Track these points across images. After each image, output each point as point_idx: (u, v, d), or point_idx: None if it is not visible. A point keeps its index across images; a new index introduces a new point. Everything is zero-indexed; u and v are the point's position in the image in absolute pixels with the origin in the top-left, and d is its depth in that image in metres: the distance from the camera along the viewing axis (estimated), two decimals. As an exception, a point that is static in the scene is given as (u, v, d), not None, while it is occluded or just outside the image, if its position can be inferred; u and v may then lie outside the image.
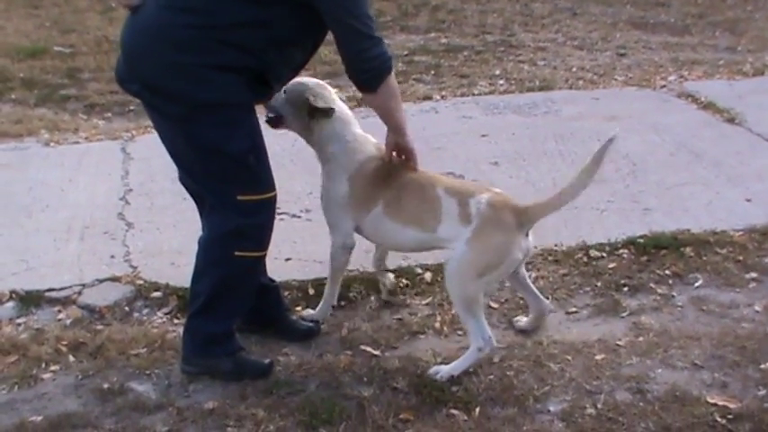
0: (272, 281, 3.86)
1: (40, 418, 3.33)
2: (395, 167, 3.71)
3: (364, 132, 3.84)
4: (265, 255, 3.54)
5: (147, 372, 3.61)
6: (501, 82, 7.42)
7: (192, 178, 3.47)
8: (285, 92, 3.69)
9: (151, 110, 3.37)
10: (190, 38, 3.14)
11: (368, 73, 3.29)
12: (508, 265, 3.53)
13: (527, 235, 3.58)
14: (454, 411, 3.32)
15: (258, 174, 3.35)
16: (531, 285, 3.88)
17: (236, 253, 3.38)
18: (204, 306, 3.49)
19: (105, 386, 3.52)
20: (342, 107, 3.82)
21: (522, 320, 3.93)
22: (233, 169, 3.30)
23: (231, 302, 3.51)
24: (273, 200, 3.43)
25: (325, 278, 3.99)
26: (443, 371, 3.53)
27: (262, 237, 3.45)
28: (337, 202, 3.72)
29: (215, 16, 3.12)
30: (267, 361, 3.61)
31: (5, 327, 3.87)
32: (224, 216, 3.36)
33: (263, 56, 3.20)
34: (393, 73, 3.35)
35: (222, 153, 3.26)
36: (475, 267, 3.47)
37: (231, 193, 3.32)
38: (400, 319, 3.96)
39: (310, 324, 3.87)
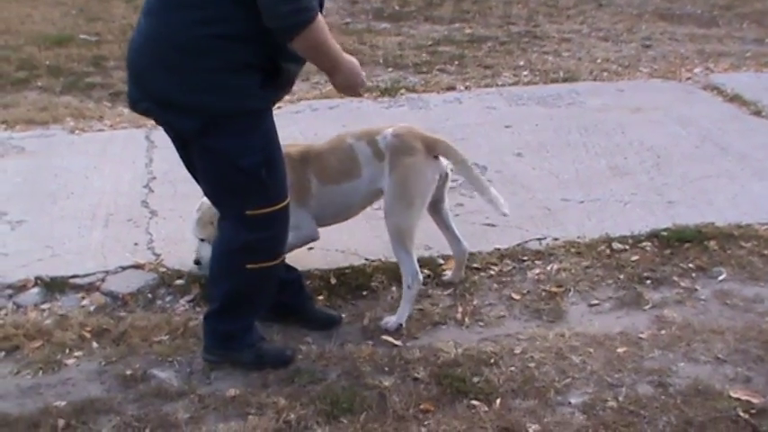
0: (294, 270, 3.85)
1: (63, 403, 3.36)
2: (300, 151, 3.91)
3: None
4: (281, 262, 3.48)
5: (170, 359, 3.63)
6: (525, 73, 7.39)
7: (202, 188, 3.43)
8: None
9: (165, 127, 3.31)
10: (195, 38, 3.01)
11: (278, 23, 2.98)
12: (426, 187, 3.83)
13: (436, 158, 3.86)
14: (475, 402, 3.32)
15: (269, 186, 3.25)
16: (453, 226, 4.11)
17: (248, 266, 3.34)
18: (220, 309, 3.50)
19: (128, 372, 3.54)
20: None
21: (448, 273, 4.17)
22: (244, 183, 3.21)
23: (247, 306, 3.51)
24: (284, 209, 3.33)
25: (347, 267, 3.99)
26: (391, 321, 3.80)
27: (273, 248, 3.39)
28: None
29: (206, 9, 3.00)
30: (289, 351, 3.62)
31: (31, 312, 3.91)
32: (233, 230, 3.32)
33: (269, 43, 3.05)
34: (317, 24, 3.02)
35: (235, 167, 3.17)
36: (401, 197, 3.77)
37: (240, 208, 3.26)
38: (421, 310, 3.96)
39: (332, 312, 3.89)
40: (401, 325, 3.79)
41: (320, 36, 3.07)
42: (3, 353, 3.69)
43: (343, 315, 3.92)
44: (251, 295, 3.48)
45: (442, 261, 4.31)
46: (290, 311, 3.84)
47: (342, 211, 4.05)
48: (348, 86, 3.34)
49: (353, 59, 3.30)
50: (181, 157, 3.40)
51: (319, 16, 3.02)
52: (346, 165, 3.88)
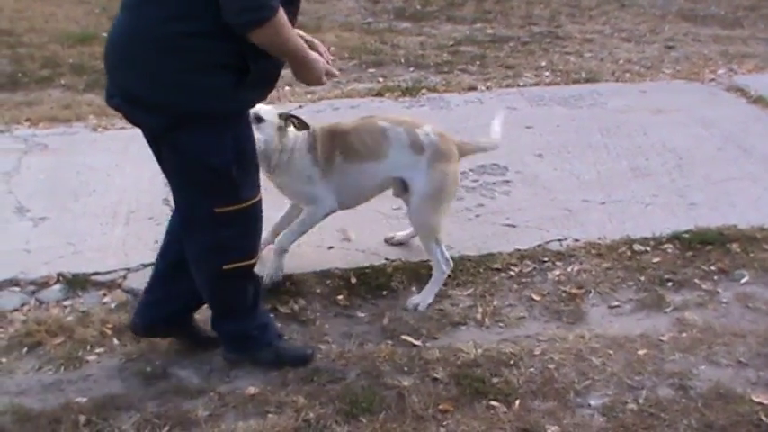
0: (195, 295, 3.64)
1: (84, 399, 3.38)
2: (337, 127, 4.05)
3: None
4: (256, 261, 3.40)
5: (190, 357, 3.64)
6: (547, 74, 7.37)
7: (170, 184, 3.32)
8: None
9: (133, 124, 3.23)
10: (167, 35, 2.92)
11: (234, 19, 2.88)
12: (456, 190, 4.15)
13: None
14: (494, 403, 3.32)
15: (240, 184, 3.18)
16: None
17: (224, 267, 3.30)
18: (217, 313, 3.51)
19: (148, 369, 3.56)
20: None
21: (399, 234, 4.41)
22: (213, 182, 3.14)
23: (241, 306, 3.48)
24: (254, 206, 3.27)
25: (368, 267, 3.99)
26: (421, 302, 3.95)
27: (245, 246, 3.33)
28: (311, 179, 3.95)
29: (179, 5, 2.93)
30: (309, 350, 3.63)
31: (53, 309, 3.93)
32: (201, 231, 3.25)
33: (241, 42, 2.95)
34: (274, 21, 2.89)
35: (205, 165, 3.09)
36: (436, 198, 3.95)
37: (210, 206, 3.18)
38: (441, 310, 3.96)
39: (212, 335, 3.68)
40: (429, 304, 3.96)
41: (279, 33, 2.95)
42: (25, 349, 3.71)
43: (363, 315, 3.93)
44: (238, 296, 3.45)
45: (461, 262, 4.30)
46: (173, 325, 3.67)
47: (358, 193, 4.12)
48: (309, 81, 3.27)
49: (316, 57, 3.21)
50: (153, 152, 3.31)
51: (279, 14, 2.89)
52: (373, 145, 3.97)
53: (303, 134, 3.91)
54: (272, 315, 3.79)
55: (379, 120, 4.07)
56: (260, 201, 3.30)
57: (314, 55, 3.21)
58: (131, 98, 3.05)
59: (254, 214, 3.30)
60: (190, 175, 3.15)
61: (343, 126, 4.05)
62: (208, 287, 3.43)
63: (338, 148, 3.97)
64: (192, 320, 3.70)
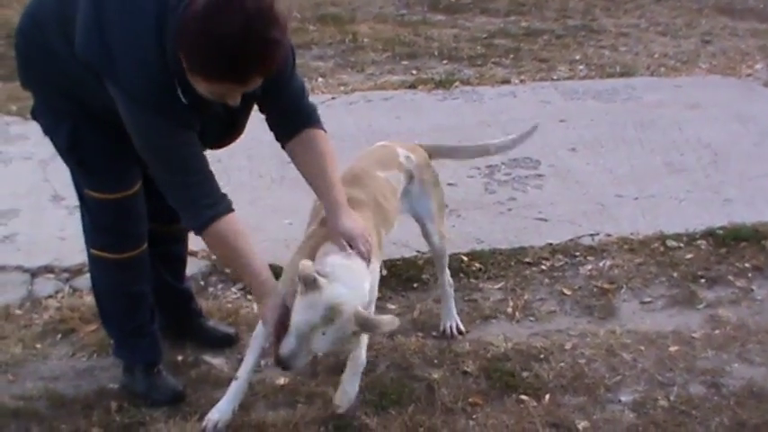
0: (184, 290, 3.70)
1: (116, 386, 3.41)
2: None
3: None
4: (127, 259, 3.21)
5: (221, 346, 3.66)
6: (581, 67, 7.33)
7: None
8: None
9: None
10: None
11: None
12: None
13: None
14: (524, 397, 3.31)
15: (95, 173, 3.07)
16: None
17: (92, 250, 3.25)
18: (96, 302, 3.46)
19: (179, 358, 3.59)
20: None
21: None
22: (66, 162, 3.13)
23: (109, 304, 3.38)
24: (122, 201, 3.11)
25: (399, 259, 3.99)
26: (449, 324, 3.73)
27: (110, 238, 3.19)
28: None
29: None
30: (180, 387, 3.38)
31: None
32: (81, 208, 3.24)
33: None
34: (209, 233, 2.85)
35: (53, 142, 3.09)
36: (441, 209, 3.68)
37: (81, 185, 3.15)
38: (472, 303, 3.96)
39: (228, 330, 3.72)
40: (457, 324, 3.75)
41: (215, 247, 2.98)
42: (59, 335, 3.76)
43: (394, 307, 3.93)
44: (110, 290, 3.33)
45: (493, 255, 4.29)
46: (181, 329, 3.70)
47: None
48: (261, 311, 2.97)
49: (276, 294, 2.89)
50: None
51: (212, 229, 2.83)
52: (392, 210, 3.38)
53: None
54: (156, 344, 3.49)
55: (373, 169, 3.38)
56: (125, 198, 3.12)
57: (271, 286, 2.90)
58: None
59: (117, 210, 3.13)
60: (55, 147, 3.15)
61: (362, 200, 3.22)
62: (89, 269, 3.39)
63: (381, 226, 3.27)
64: (198, 316, 3.72)
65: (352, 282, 2.78)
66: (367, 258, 2.89)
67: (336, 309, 2.68)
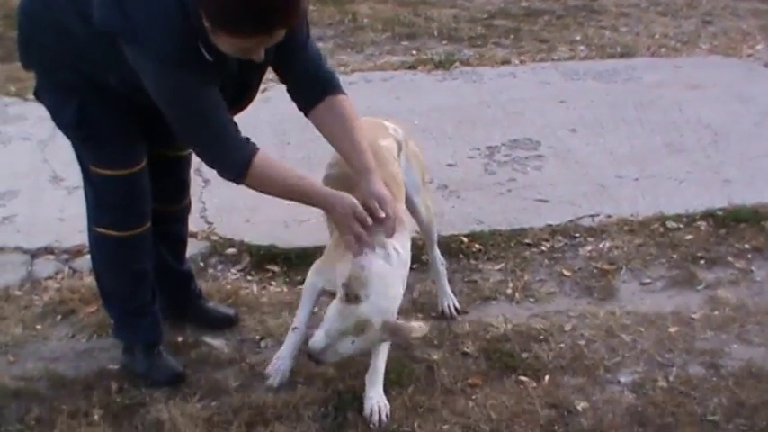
0: (185, 271, 3.71)
1: (116, 366, 3.42)
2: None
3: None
4: (132, 237, 3.23)
5: (221, 327, 3.66)
6: (581, 48, 7.29)
7: None
8: None
9: None
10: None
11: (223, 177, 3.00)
12: None
13: None
14: (523, 378, 3.32)
15: (101, 148, 3.09)
16: None
17: (97, 229, 3.25)
18: (96, 281, 3.46)
19: (179, 339, 3.60)
20: None
21: None
22: (73, 139, 3.15)
23: (111, 283, 3.38)
24: (130, 177, 3.13)
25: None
26: (446, 304, 3.72)
27: (116, 215, 3.20)
28: None
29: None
30: (180, 368, 3.39)
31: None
32: (85, 186, 3.24)
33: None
34: (249, 175, 2.89)
35: (59, 119, 3.11)
36: (424, 181, 3.65)
37: (85, 162, 3.17)
38: (472, 284, 3.96)
39: (228, 311, 3.73)
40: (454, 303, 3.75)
41: (261, 185, 2.97)
42: (59, 316, 3.76)
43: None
44: (106, 268, 3.36)
45: (492, 236, 4.29)
46: (181, 310, 3.70)
47: None
48: (342, 222, 2.96)
49: (340, 195, 2.96)
50: None
51: (251, 169, 2.86)
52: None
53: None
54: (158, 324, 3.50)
55: (374, 139, 3.30)
56: (132, 175, 3.14)
57: (333, 194, 2.96)
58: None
59: (123, 186, 3.14)
60: (58, 125, 3.17)
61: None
62: (90, 247, 3.39)
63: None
64: (198, 298, 3.73)
65: (387, 294, 2.92)
66: (392, 227, 2.95)
67: (369, 323, 2.85)
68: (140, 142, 3.15)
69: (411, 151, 3.60)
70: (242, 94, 3.04)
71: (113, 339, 3.52)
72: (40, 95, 3.16)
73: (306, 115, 3.10)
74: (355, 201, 2.91)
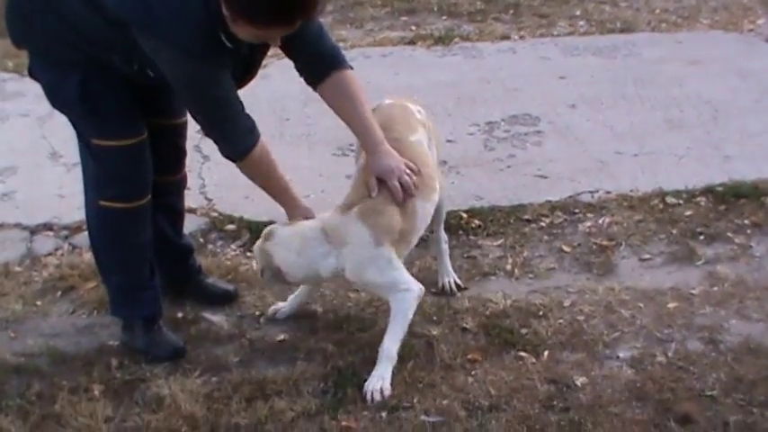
0: (185, 245, 3.73)
1: (117, 343, 3.44)
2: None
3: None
4: (136, 208, 3.26)
5: (221, 303, 3.67)
6: (581, 23, 7.26)
7: None
8: None
9: None
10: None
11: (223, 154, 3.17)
12: None
13: None
14: (522, 354, 3.33)
15: (104, 120, 3.11)
16: None
17: (101, 202, 3.26)
18: (95, 258, 3.47)
19: (179, 315, 3.61)
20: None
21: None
22: (75, 114, 3.17)
23: (111, 258, 3.39)
24: (132, 147, 3.16)
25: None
26: (447, 283, 3.74)
27: (121, 187, 3.22)
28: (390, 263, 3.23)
29: None
30: (181, 343, 3.42)
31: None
32: (86, 161, 3.26)
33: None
34: (249, 160, 3.12)
35: (58, 96, 3.14)
36: (438, 161, 3.64)
37: (87, 136, 3.18)
38: (471, 260, 3.96)
39: (228, 287, 3.74)
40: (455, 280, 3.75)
41: (253, 175, 3.22)
42: (59, 292, 3.77)
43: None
44: (110, 241, 3.35)
45: (492, 212, 4.29)
46: (180, 286, 3.71)
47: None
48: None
49: (304, 207, 3.32)
50: None
51: (250, 157, 3.10)
52: (429, 171, 3.36)
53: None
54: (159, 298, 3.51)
55: (402, 134, 3.37)
56: (135, 145, 3.17)
57: (299, 202, 3.31)
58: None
59: (127, 156, 3.18)
60: (56, 103, 3.20)
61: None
62: (89, 223, 3.40)
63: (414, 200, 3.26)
64: (197, 273, 3.74)
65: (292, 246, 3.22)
66: (400, 194, 3.15)
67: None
68: (140, 112, 3.20)
69: (432, 131, 3.61)
70: (247, 72, 3.11)
71: (113, 317, 3.52)
72: (35, 74, 3.17)
73: (314, 90, 3.22)
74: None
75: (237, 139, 3.08)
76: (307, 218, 3.27)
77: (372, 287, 3.32)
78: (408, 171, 3.19)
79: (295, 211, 3.29)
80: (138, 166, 3.23)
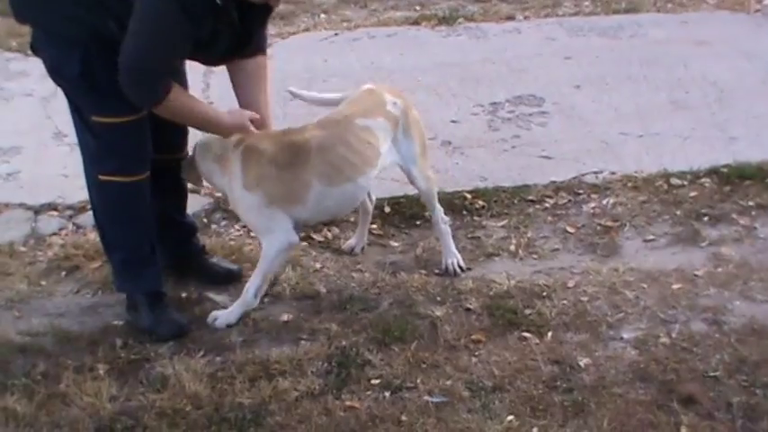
0: (188, 224, 3.75)
1: (121, 322, 3.45)
2: (290, 139, 3.41)
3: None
4: (135, 182, 3.31)
5: (224, 283, 3.68)
6: (586, 3, 7.21)
7: None
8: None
9: None
10: None
11: (132, 99, 3.12)
12: None
13: None
14: (526, 334, 3.33)
15: (104, 97, 3.14)
16: None
17: (101, 177, 3.29)
18: (100, 235, 3.51)
19: (183, 295, 3.61)
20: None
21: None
22: (75, 90, 3.21)
23: (115, 233, 3.42)
24: (132, 123, 3.21)
25: (402, 196, 3.99)
26: (448, 263, 3.74)
27: (120, 161, 3.26)
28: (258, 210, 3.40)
29: None
30: (185, 321, 3.45)
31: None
32: (85, 137, 3.29)
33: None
34: (167, 103, 3.11)
35: (60, 72, 3.19)
36: (424, 149, 3.69)
37: (86, 113, 3.22)
38: (475, 240, 3.96)
39: (231, 266, 3.76)
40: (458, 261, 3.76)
41: (176, 110, 3.17)
42: (63, 272, 3.78)
43: (397, 244, 3.94)
44: (112, 215, 3.38)
45: (496, 192, 4.29)
46: (184, 266, 3.73)
47: (345, 210, 3.78)
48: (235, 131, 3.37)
49: (226, 120, 3.34)
50: None
51: (172, 93, 3.08)
52: (364, 156, 3.44)
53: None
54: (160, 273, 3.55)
55: (354, 116, 3.47)
56: (134, 121, 3.21)
57: (224, 118, 3.34)
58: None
59: (126, 131, 3.23)
60: (59, 82, 3.25)
61: (299, 141, 3.39)
62: (91, 198, 3.44)
63: (310, 175, 3.35)
64: (201, 253, 3.76)
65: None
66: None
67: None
68: None
69: (412, 120, 3.61)
70: (243, 40, 3.15)
71: (118, 295, 3.53)
72: (37, 49, 3.21)
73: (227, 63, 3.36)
74: (244, 114, 3.34)
75: (153, 85, 3.07)
76: (242, 122, 3.33)
77: (246, 223, 3.68)
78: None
79: (231, 130, 3.33)
80: (137, 142, 3.27)
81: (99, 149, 3.25)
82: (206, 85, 5.52)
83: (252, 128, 3.34)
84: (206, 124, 3.34)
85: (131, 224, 3.37)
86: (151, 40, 2.99)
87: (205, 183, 3.61)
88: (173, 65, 3.14)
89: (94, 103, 3.18)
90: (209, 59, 3.35)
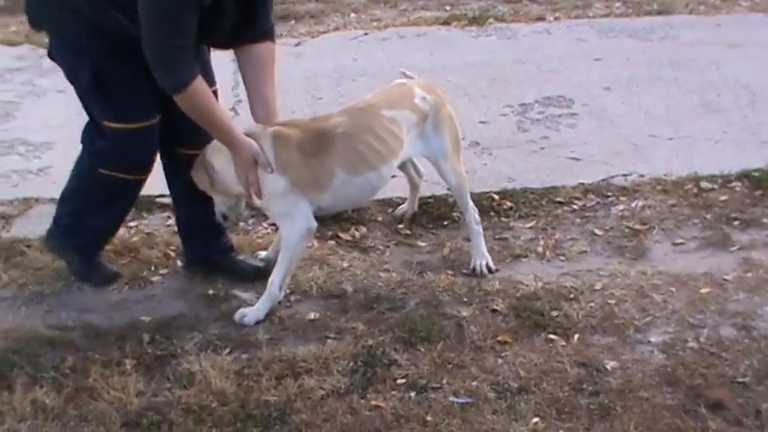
0: (217, 224, 3.71)
1: (149, 318, 3.47)
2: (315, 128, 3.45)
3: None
4: (137, 180, 3.46)
5: (251, 281, 3.69)
6: (617, 4, 7.18)
7: None
8: None
9: None
10: None
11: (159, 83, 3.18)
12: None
13: None
14: (553, 336, 3.32)
15: (109, 105, 3.27)
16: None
17: (100, 170, 3.39)
18: (60, 200, 3.63)
19: (210, 292, 3.63)
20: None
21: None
22: (88, 98, 3.31)
23: (95, 204, 3.53)
24: (142, 130, 3.31)
25: (430, 197, 3.99)
26: (476, 264, 3.74)
27: (126, 161, 3.39)
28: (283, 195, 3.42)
29: None
30: (115, 269, 3.72)
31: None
32: (93, 134, 3.39)
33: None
34: (188, 93, 3.15)
35: (73, 78, 3.30)
36: (456, 146, 3.72)
37: (98, 117, 3.32)
38: (503, 241, 3.95)
39: (258, 264, 3.76)
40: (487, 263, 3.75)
41: (198, 104, 3.20)
42: (92, 267, 3.81)
43: (424, 244, 3.94)
44: (101, 198, 3.49)
45: (525, 194, 4.27)
46: (212, 263, 3.74)
47: (366, 200, 3.84)
48: (241, 165, 3.35)
49: (243, 140, 3.32)
50: None
51: (197, 82, 3.12)
52: (385, 147, 3.47)
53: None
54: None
55: (379, 106, 3.51)
56: (145, 128, 3.31)
57: (239, 133, 3.32)
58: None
59: (137, 137, 3.33)
60: (76, 88, 3.34)
61: (325, 131, 3.42)
62: (76, 181, 3.53)
63: (335, 160, 3.40)
64: (229, 251, 3.78)
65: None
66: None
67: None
68: (153, 96, 3.27)
69: (444, 116, 3.64)
70: (249, 15, 3.24)
71: (146, 291, 3.57)
72: (54, 56, 3.31)
73: (234, 47, 3.40)
74: (258, 149, 3.30)
75: (175, 71, 3.10)
76: (253, 152, 3.31)
77: (267, 208, 3.51)
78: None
79: (240, 149, 3.31)
80: (145, 147, 3.38)
81: (107, 149, 3.36)
82: (235, 83, 5.54)
83: (255, 165, 3.33)
84: (221, 131, 3.31)
85: (109, 213, 3.56)
86: (158, 16, 3.01)
87: (213, 186, 3.49)
88: (188, 37, 3.09)
89: (106, 111, 3.28)
90: (218, 39, 3.32)
